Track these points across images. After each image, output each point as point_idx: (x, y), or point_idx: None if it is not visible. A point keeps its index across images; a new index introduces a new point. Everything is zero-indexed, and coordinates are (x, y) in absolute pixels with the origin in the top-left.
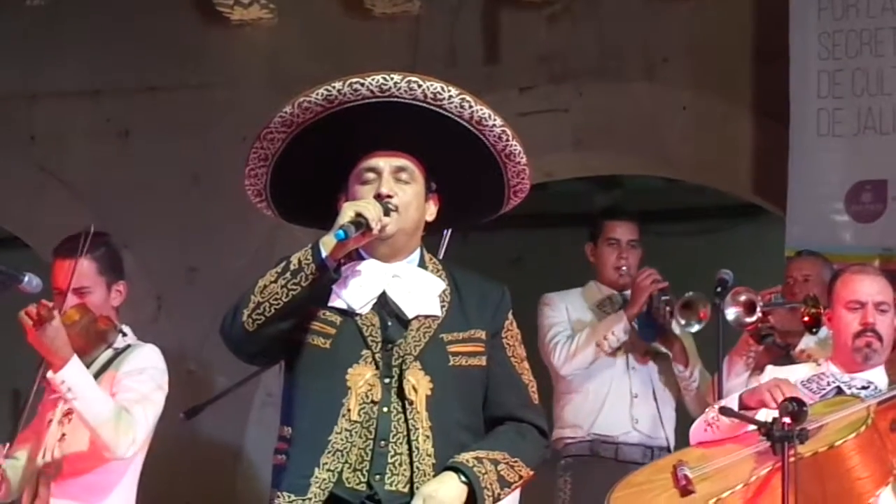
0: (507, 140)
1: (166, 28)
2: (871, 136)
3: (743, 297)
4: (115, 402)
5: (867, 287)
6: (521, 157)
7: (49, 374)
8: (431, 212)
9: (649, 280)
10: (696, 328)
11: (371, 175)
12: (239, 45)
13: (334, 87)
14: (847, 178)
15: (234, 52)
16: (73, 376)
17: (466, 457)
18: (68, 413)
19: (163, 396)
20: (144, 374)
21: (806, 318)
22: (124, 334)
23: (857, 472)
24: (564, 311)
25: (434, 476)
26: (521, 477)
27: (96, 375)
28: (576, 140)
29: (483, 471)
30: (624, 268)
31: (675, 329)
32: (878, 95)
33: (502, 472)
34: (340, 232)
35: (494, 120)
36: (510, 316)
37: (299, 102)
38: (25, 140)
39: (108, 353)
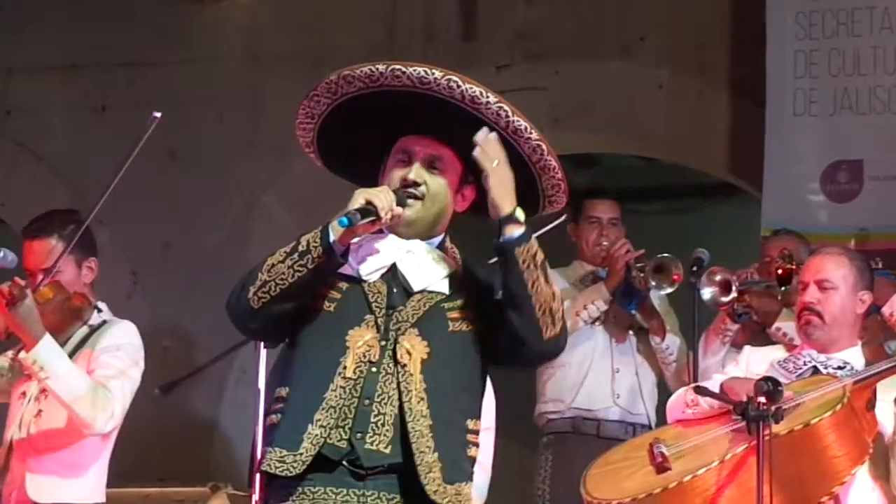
0: (542, 154)
1: (144, 3)
2: (846, 116)
3: (718, 277)
4: (92, 378)
5: (813, 266)
6: (557, 173)
7: (21, 354)
8: (463, 203)
9: (623, 249)
10: (668, 290)
11: (405, 158)
12: (216, 21)
13: (377, 69)
14: (823, 158)
15: (211, 28)
16: (45, 356)
17: None
18: (45, 389)
19: (139, 373)
20: (121, 351)
21: (780, 271)
22: (100, 310)
23: (833, 451)
24: None
25: (432, 437)
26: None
27: (72, 353)
28: (552, 118)
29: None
30: (605, 243)
31: (652, 295)
32: (855, 75)
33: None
34: (344, 219)
35: (531, 133)
36: None
37: (344, 75)
38: (1, 114)
39: (84, 330)
